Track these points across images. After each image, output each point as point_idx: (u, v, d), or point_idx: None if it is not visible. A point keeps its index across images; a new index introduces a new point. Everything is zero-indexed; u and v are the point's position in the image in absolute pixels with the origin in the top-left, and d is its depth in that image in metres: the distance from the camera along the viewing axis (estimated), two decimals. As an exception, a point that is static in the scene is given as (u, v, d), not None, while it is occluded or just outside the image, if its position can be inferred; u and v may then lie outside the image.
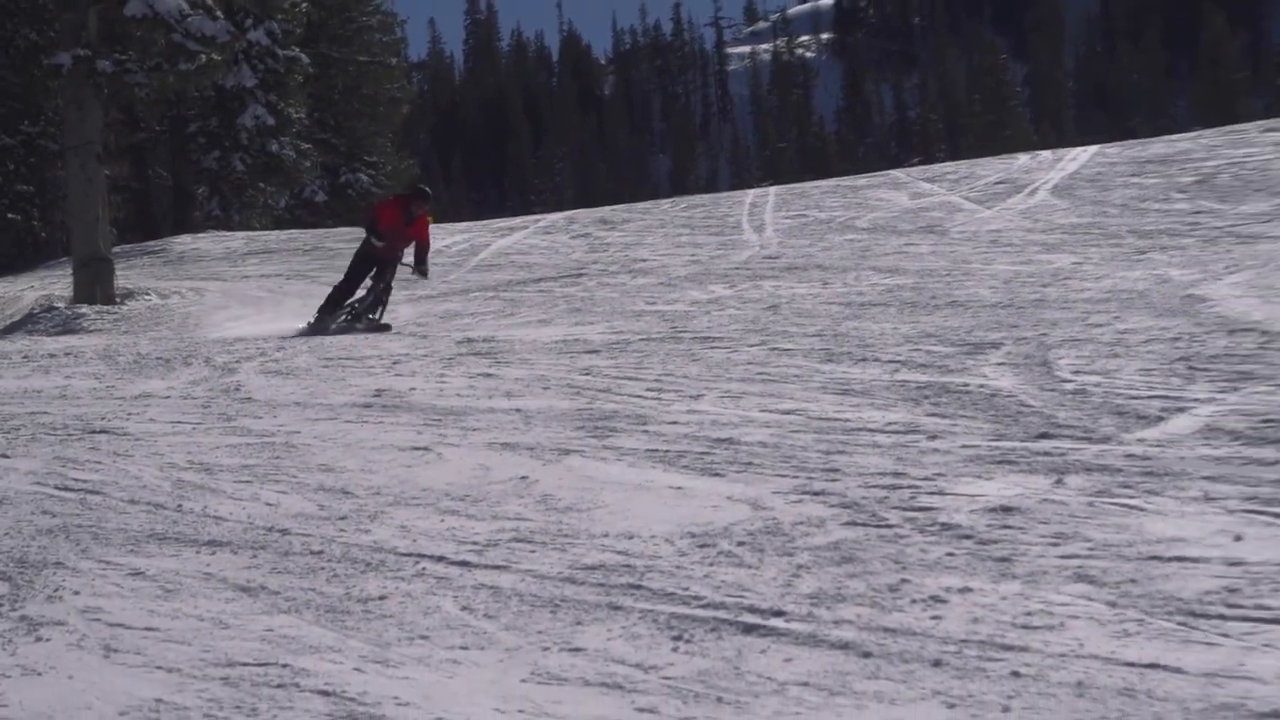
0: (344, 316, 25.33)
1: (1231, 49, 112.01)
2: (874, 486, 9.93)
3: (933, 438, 11.11)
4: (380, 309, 25.32)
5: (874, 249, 22.09)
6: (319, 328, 24.67)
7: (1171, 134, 34.49)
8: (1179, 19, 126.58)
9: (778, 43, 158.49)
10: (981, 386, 12.50)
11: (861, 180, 31.11)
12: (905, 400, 12.30)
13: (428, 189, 26.19)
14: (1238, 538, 8.44)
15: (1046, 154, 30.28)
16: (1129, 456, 10.22)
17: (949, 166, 30.48)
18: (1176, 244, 19.67)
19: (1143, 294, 15.71)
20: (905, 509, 9.42)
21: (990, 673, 6.89)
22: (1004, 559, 8.44)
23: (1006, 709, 6.44)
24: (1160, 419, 11.09)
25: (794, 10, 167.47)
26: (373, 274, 25.62)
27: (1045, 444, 10.70)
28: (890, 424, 11.60)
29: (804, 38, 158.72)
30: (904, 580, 8.20)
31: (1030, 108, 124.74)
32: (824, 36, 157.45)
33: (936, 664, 7.04)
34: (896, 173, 31.31)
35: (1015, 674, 6.82)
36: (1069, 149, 30.42)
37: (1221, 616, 7.33)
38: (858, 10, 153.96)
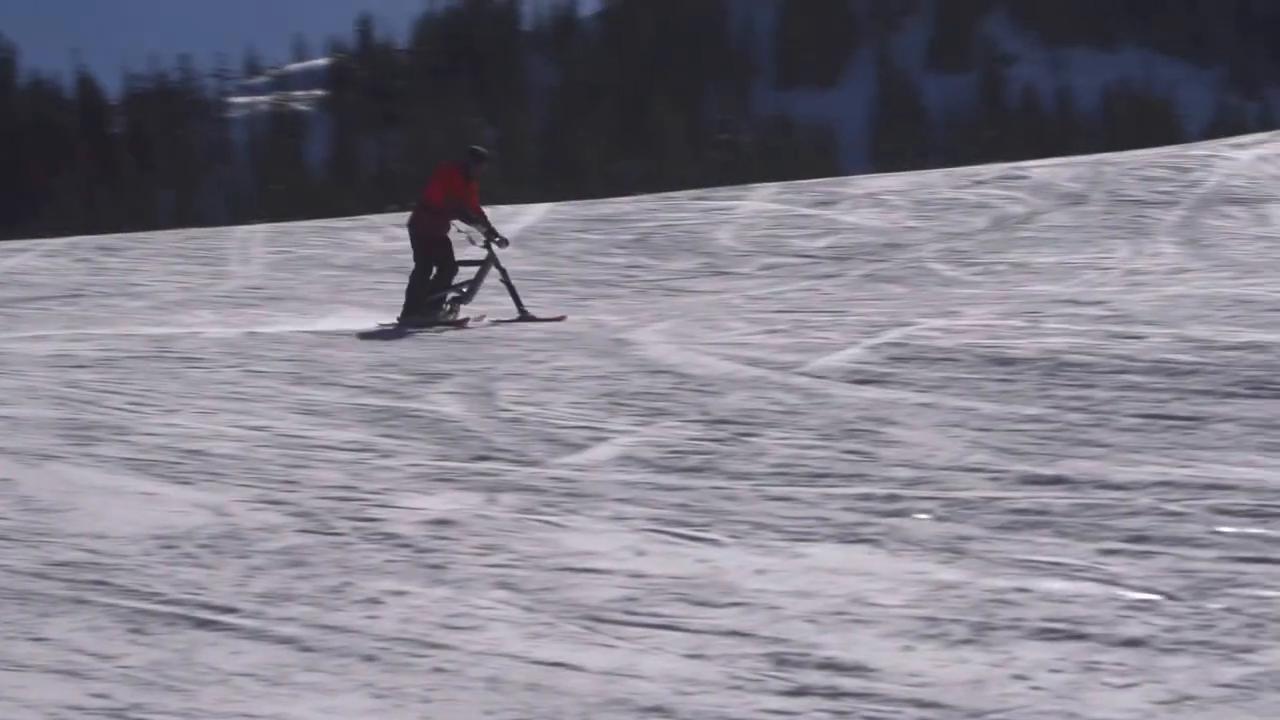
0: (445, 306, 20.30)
1: (674, 127, 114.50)
2: (328, 498, 9.90)
3: (384, 456, 11.12)
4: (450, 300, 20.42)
5: (350, 284, 22.04)
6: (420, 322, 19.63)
7: (617, 197, 35.04)
8: (631, 99, 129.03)
9: (275, 95, 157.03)
10: (431, 412, 12.56)
11: (344, 223, 30.91)
12: (363, 421, 12.28)
13: (484, 149, 22.03)
14: (641, 553, 8.62)
15: (507, 208, 30.51)
16: (554, 479, 10.37)
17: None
18: (613, 293, 20.04)
19: (579, 336, 15.94)
20: (354, 519, 9.40)
21: (415, 667, 6.92)
22: (437, 566, 8.48)
23: (427, 700, 6.47)
24: (584, 447, 11.26)
25: (290, 67, 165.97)
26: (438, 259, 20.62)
27: (482, 465, 10.79)
28: (347, 442, 11.58)
29: (299, 92, 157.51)
30: (347, 583, 8.18)
31: (499, 167, 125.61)
32: (317, 92, 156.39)
33: (369, 659, 7.04)
34: (374, 218, 31.18)
35: (438, 669, 6.86)
36: (527, 205, 30.70)
37: (621, 622, 7.48)
38: (348, 71, 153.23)
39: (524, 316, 19.34)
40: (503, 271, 20.12)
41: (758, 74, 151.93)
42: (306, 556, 8.70)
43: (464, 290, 20.33)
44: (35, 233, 35.36)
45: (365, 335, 17.10)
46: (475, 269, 20.48)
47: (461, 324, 19.51)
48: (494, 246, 20.29)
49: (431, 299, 20.02)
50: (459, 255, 20.73)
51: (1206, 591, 7.49)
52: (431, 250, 20.36)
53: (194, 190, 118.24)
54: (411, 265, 20.56)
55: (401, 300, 19.93)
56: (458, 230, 20.75)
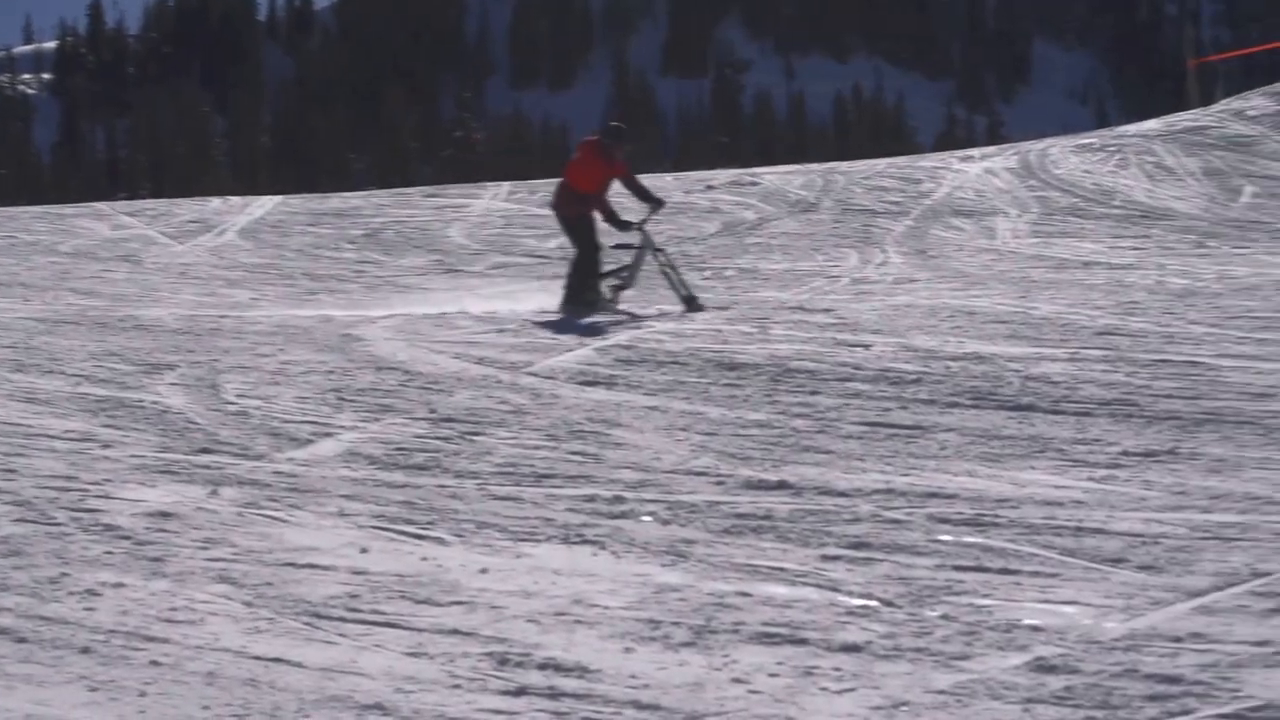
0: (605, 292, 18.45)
1: (408, 123, 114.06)
2: (47, 488, 9.72)
3: (105, 446, 10.95)
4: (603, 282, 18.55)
5: (74, 272, 21.63)
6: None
7: (349, 192, 34.81)
8: (365, 93, 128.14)
9: (2, 77, 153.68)
10: (154, 403, 12.37)
11: (69, 209, 30.32)
12: (84, 411, 12.07)
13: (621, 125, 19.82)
14: (364, 550, 8.59)
15: (237, 199, 30.23)
16: (278, 473, 10.28)
17: (150, 203, 30.11)
18: (343, 288, 19.89)
19: (307, 330, 15.81)
20: (73, 509, 9.25)
21: (133, 660, 6.83)
22: (157, 559, 8.38)
23: (143, 694, 6.39)
24: (309, 442, 11.18)
25: (18, 49, 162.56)
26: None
27: (206, 458, 10.66)
28: (68, 431, 11.37)
29: (26, 75, 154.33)
30: (64, 574, 8.05)
31: (230, 158, 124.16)
32: (45, 76, 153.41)
33: (85, 651, 6.94)
34: (101, 205, 30.66)
35: (154, 663, 6.77)
36: (258, 197, 30.40)
37: (342, 619, 7.45)
38: (78, 55, 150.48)
39: (690, 306, 17.71)
40: (661, 253, 18.76)
41: (493, 72, 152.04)
42: (23, 546, 8.54)
43: (624, 276, 18.73)
44: None
45: (96, 324, 16.79)
46: (632, 253, 18.87)
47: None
48: (645, 230, 18.73)
49: (590, 286, 18.34)
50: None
51: (924, 599, 7.63)
52: (575, 233, 18.82)
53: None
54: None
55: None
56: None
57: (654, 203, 19.02)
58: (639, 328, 15.40)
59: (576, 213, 18.81)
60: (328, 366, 13.83)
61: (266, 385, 13.08)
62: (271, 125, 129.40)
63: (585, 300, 18.09)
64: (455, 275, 20.64)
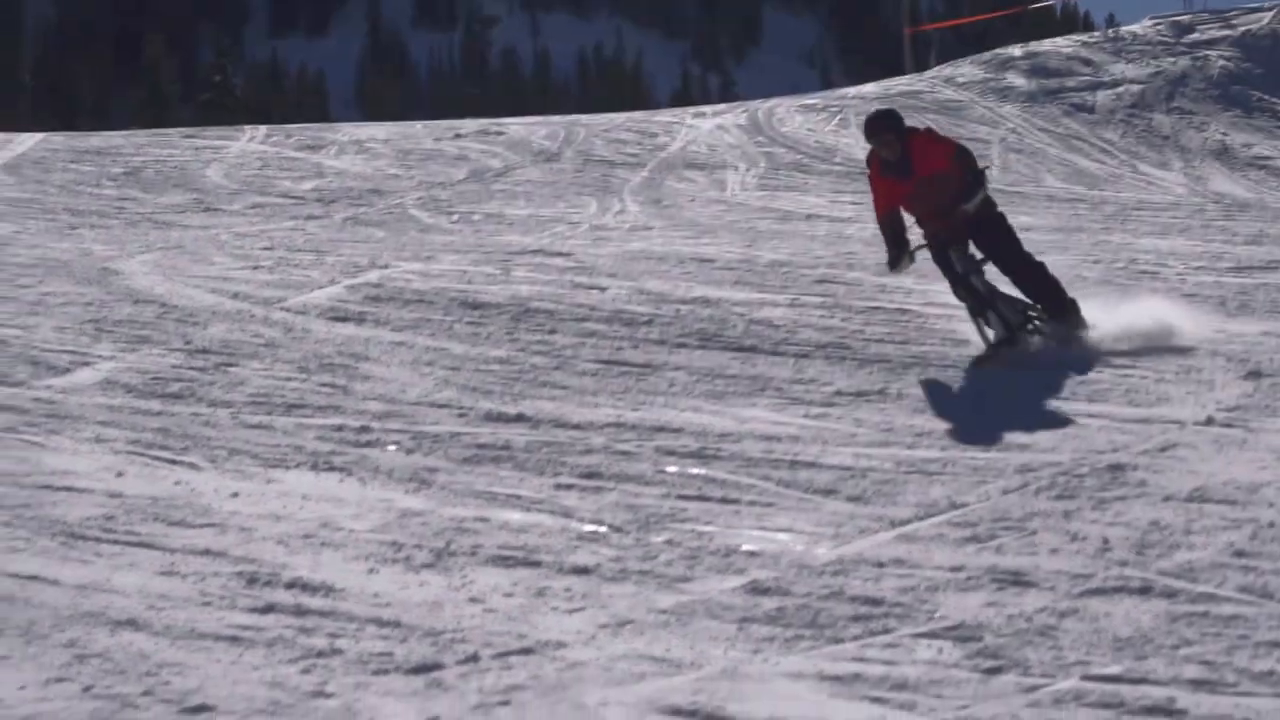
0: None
1: (168, 67, 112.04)
2: None
3: None
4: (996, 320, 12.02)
5: None
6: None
7: (109, 131, 34.16)
8: (125, 38, 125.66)
9: None
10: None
11: None
12: None
13: (884, 111, 13.00)
14: (120, 474, 8.53)
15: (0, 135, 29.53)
16: (36, 400, 10.15)
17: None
18: (103, 224, 19.52)
19: (67, 264, 15.51)
20: None
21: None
22: None
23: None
24: (68, 370, 11.02)
25: None
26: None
27: (-36, 385, 10.50)
28: None
29: None
30: None
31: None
32: None
33: None
34: None
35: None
36: (19, 134, 29.70)
37: (97, 539, 7.41)
38: None
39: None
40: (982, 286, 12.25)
41: (250, 20, 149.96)
42: None
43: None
44: None
45: None
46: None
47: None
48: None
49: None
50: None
51: (650, 525, 7.76)
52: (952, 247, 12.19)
53: None
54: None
55: None
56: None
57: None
58: (387, 267, 15.33)
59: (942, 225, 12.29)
60: (87, 299, 13.60)
61: (26, 315, 12.84)
62: (33, 67, 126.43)
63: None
64: (213, 213, 20.36)
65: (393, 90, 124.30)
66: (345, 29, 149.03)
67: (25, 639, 6.09)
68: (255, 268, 15.49)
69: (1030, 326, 12.23)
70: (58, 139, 27.67)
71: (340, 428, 9.77)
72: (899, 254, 12.29)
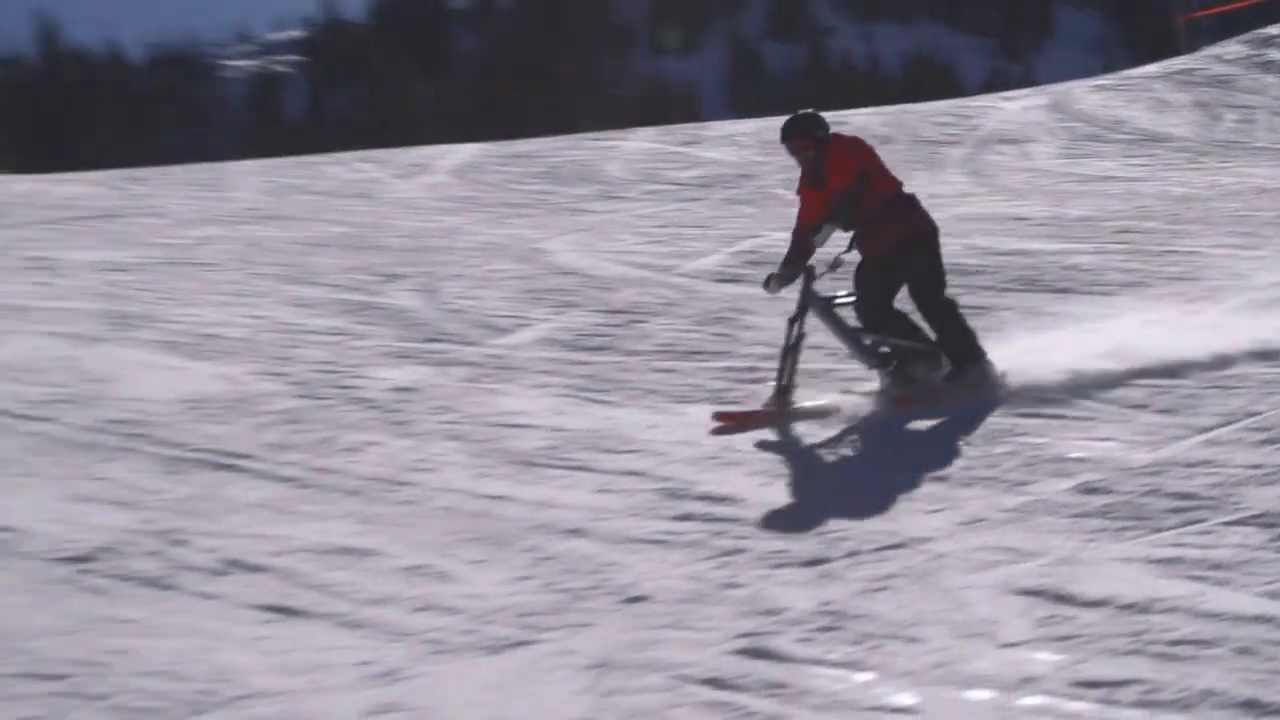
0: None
1: (573, 84, 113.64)
2: (316, 371, 9.87)
3: (358, 338, 11.06)
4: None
5: (324, 206, 21.77)
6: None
7: (529, 139, 34.76)
8: (538, 62, 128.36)
9: (261, 60, 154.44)
10: (393, 304, 12.46)
11: (319, 158, 30.50)
12: (341, 312, 12.16)
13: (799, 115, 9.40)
14: (559, 412, 8.68)
15: (445, 147, 30.27)
16: (490, 356, 10.37)
17: (378, 153, 30.19)
18: (530, 213, 19.86)
19: (505, 246, 15.81)
20: (337, 387, 9.41)
21: (389, 500, 6.97)
22: (402, 422, 8.52)
23: (398, 525, 6.51)
24: (512, 331, 11.24)
25: (272, 36, 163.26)
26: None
27: (435, 345, 10.75)
28: (329, 328, 11.49)
29: (280, 57, 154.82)
30: (333, 435, 8.21)
31: (435, 117, 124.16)
32: (294, 57, 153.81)
33: (353, 493, 7.09)
34: (342, 154, 30.82)
35: (406, 501, 6.92)
36: (460, 145, 30.40)
37: (546, 465, 7.54)
38: (318, 39, 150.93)
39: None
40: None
41: (635, 43, 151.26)
42: (301, 416, 8.69)
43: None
44: (77, 168, 34.51)
45: (343, 245, 16.83)
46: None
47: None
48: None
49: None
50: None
51: (994, 439, 7.63)
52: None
53: (198, 135, 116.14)
54: None
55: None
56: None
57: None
58: (759, 236, 15.29)
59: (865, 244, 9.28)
60: (522, 273, 13.84)
61: (476, 288, 13.13)
62: (465, 90, 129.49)
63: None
64: (615, 200, 20.55)
65: (753, 93, 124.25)
66: (711, 45, 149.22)
67: (496, 546, 6.24)
68: (653, 242, 15.60)
69: (892, 368, 8.90)
70: (489, 147, 28.21)
71: (731, 369, 9.80)
72: (785, 271, 9.15)
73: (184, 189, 25.50)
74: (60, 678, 4.87)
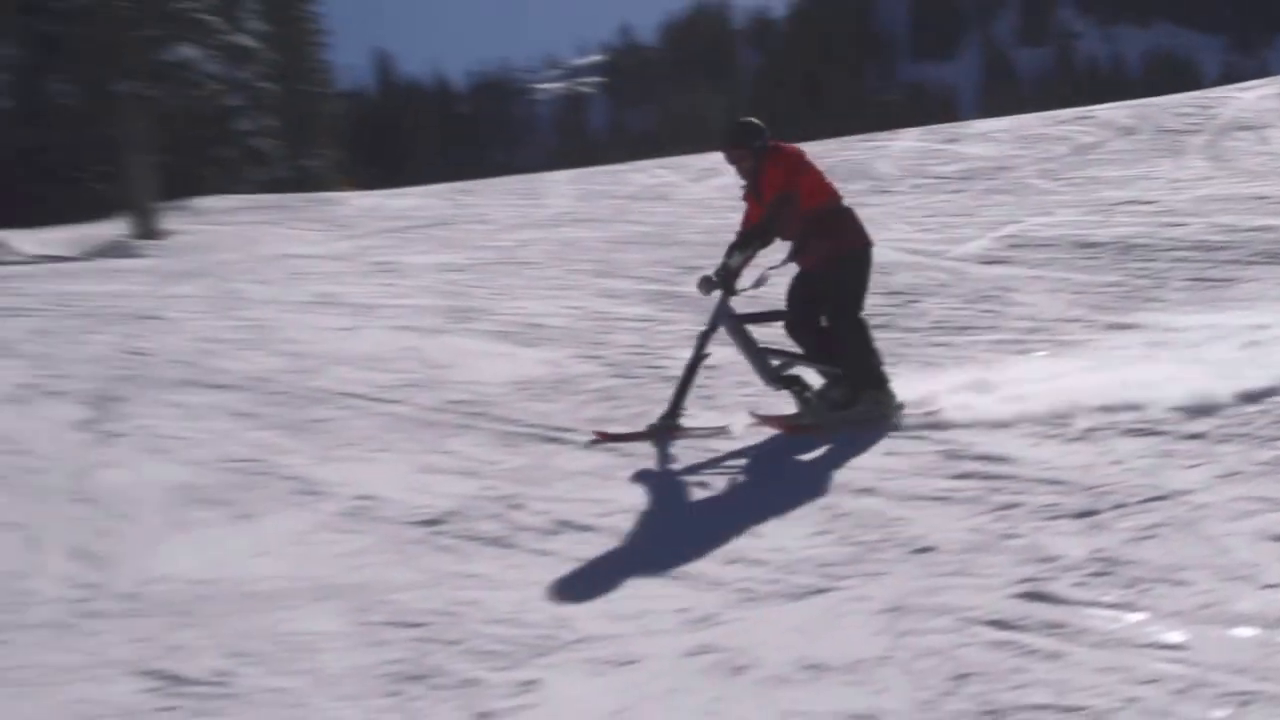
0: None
1: (843, 92, 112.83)
2: (628, 353, 9.98)
3: (663, 324, 11.16)
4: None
5: (627, 209, 22.02)
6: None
7: (806, 142, 34.58)
8: (812, 73, 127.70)
9: (567, 82, 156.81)
10: (692, 293, 12.49)
11: (620, 167, 30.88)
12: (647, 300, 12.29)
13: (738, 124, 8.18)
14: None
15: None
16: (784, 334, 10.32)
17: (671, 160, 30.41)
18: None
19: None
20: (647, 366, 9.49)
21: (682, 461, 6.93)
22: (707, 397, 8.52)
23: (710, 487, 6.48)
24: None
25: (576, 61, 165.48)
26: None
27: (731, 328, 10.78)
28: (636, 315, 11.62)
29: (583, 79, 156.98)
30: (646, 410, 8.25)
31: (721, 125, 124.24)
32: (595, 78, 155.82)
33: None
34: (642, 162, 31.15)
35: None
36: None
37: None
38: (616, 62, 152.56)
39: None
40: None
41: (898, 53, 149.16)
42: (617, 393, 8.79)
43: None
44: (412, 183, 35.49)
45: (646, 242, 16.96)
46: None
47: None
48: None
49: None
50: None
51: (1248, 400, 7.30)
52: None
53: (515, 149, 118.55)
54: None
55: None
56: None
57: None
58: (1019, 222, 14.92)
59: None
60: (806, 262, 13.79)
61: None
62: (747, 101, 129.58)
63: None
64: (886, 194, 20.30)
65: (1006, 95, 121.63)
66: (967, 52, 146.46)
67: (798, 502, 6.20)
68: (923, 230, 15.37)
69: (796, 389, 7.88)
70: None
71: (1000, 341, 9.59)
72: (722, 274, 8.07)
73: (505, 198, 26.14)
74: (420, 625, 5.00)
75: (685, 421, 7.70)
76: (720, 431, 7.68)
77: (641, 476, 6.82)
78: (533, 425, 7.90)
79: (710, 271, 8.11)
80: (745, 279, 7.94)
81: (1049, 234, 13.97)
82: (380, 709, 4.32)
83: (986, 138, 25.27)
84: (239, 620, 5.04)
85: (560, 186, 27.19)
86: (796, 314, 7.92)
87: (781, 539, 5.77)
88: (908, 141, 26.22)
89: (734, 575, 5.38)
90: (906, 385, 7.96)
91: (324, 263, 16.93)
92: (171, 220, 27.05)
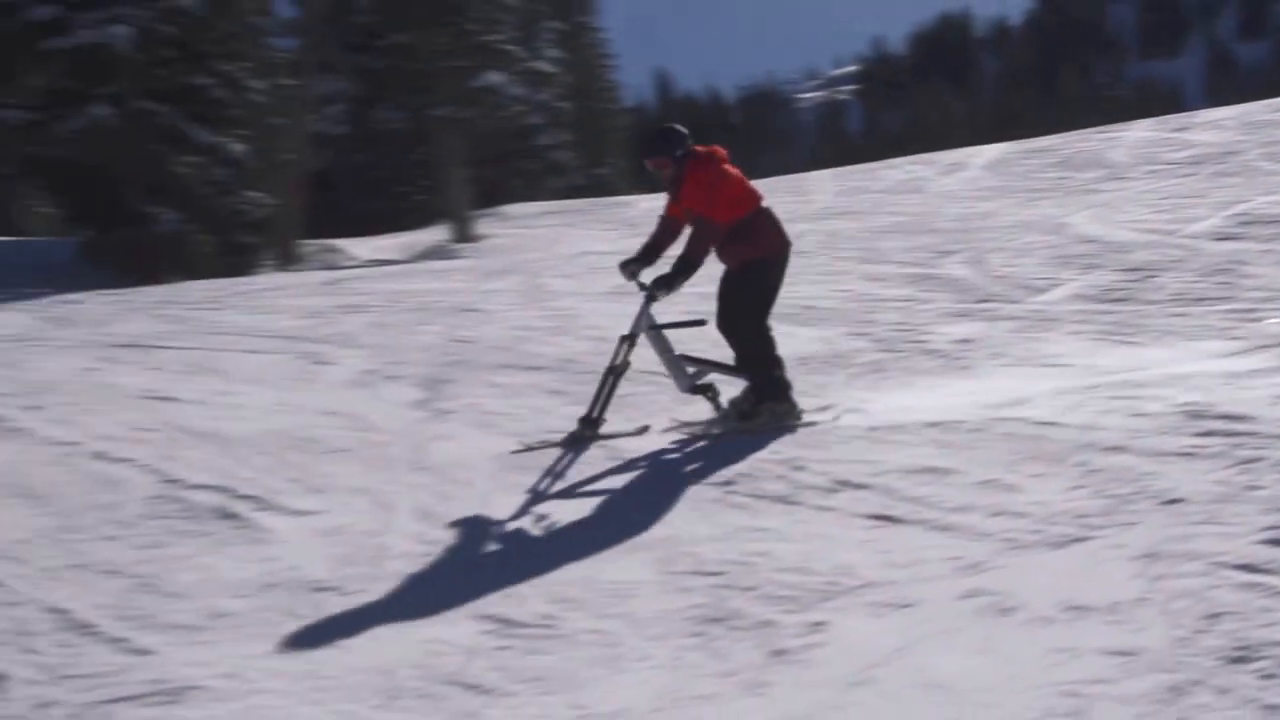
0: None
1: (1076, 89, 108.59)
2: (892, 330, 9.80)
3: (922, 303, 10.92)
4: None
5: (885, 202, 21.63)
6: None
7: (1043, 136, 33.39)
8: (1045, 74, 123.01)
9: (825, 91, 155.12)
10: (948, 274, 12.24)
11: (874, 165, 30.40)
12: (908, 282, 12.06)
13: (657, 131, 7.19)
14: (1093, 353, 8.26)
15: (975, 148, 29.49)
16: (1031, 310, 10.00)
17: (923, 156, 29.75)
18: (1049, 196, 19.08)
19: (1033, 223, 15.24)
20: (910, 341, 9.29)
21: (960, 429, 6.73)
22: (965, 367, 8.32)
23: (969, 448, 6.31)
24: (1046, 290, 10.81)
25: (833, 71, 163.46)
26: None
27: (985, 305, 10.47)
28: (899, 295, 11.41)
29: (841, 88, 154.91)
30: (911, 380, 8.11)
31: (968, 125, 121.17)
32: (851, 86, 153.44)
33: (932, 424, 6.90)
34: (894, 160, 30.60)
35: (974, 430, 6.67)
36: (986, 146, 29.54)
37: (1087, 396, 7.12)
38: (869, 71, 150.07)
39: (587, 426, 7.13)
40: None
41: (1126, 52, 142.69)
42: (884, 365, 8.62)
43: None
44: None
45: (902, 230, 16.66)
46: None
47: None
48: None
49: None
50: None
51: None
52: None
53: (781, 151, 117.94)
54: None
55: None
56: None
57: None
58: (1249, 201, 14.09)
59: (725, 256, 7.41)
60: (1050, 244, 13.30)
61: (1014, 258, 12.70)
62: (989, 102, 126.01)
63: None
64: (1120, 180, 19.42)
65: (1228, 87, 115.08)
66: (1191, 49, 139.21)
67: (1051, 462, 5.97)
68: (1157, 211, 14.67)
69: (709, 395, 7.31)
70: (1013, 145, 27.32)
71: (1233, 310, 9.06)
72: (634, 259, 7.38)
73: (775, 196, 25.97)
74: (718, 574, 5.01)
75: (602, 431, 7.07)
76: (641, 432, 7.15)
77: (906, 439, 6.67)
78: (811, 396, 7.82)
79: (631, 260, 7.31)
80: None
81: (1277, 211, 13.16)
82: (686, 647, 4.35)
83: (1214, 125, 23.97)
84: (561, 570, 5.13)
85: (824, 183, 26.92)
86: (722, 309, 7.16)
87: (1040, 493, 5.57)
88: (1139, 132, 25.07)
89: (999, 526, 5.23)
90: (1127, 356, 7.71)
91: (618, 258, 17.05)
92: (484, 225, 27.84)
